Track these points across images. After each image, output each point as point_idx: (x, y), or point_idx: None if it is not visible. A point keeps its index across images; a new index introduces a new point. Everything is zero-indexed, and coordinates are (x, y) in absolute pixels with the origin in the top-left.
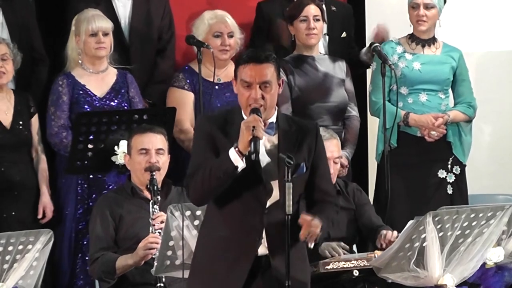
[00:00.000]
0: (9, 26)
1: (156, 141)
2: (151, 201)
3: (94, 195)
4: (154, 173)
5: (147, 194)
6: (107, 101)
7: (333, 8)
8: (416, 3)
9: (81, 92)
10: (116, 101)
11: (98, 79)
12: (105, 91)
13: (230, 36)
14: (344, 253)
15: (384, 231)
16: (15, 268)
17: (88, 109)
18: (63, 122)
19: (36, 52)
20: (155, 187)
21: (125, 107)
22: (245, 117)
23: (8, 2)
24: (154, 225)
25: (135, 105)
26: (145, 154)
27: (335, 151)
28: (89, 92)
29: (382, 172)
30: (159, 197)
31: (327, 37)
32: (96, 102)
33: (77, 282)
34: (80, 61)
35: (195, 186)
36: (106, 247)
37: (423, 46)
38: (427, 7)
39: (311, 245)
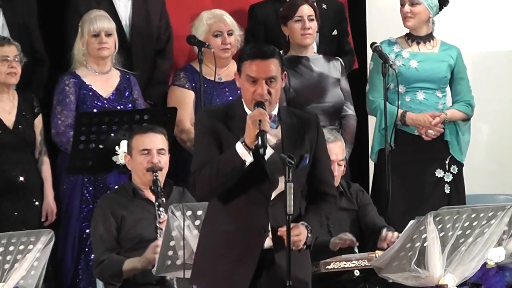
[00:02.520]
0: (10, 27)
1: (157, 141)
2: (156, 203)
3: (99, 195)
4: (156, 173)
5: (148, 195)
6: (112, 102)
7: (324, 6)
8: (403, 0)
9: (87, 92)
10: (120, 102)
11: (103, 80)
12: (110, 92)
13: (230, 34)
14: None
15: (384, 233)
16: (16, 268)
17: (94, 110)
18: (70, 121)
19: (36, 53)
20: (159, 188)
21: (129, 108)
22: (248, 111)
23: (8, 2)
24: (161, 228)
25: (139, 107)
26: (146, 154)
27: (339, 153)
28: (95, 93)
29: (379, 172)
30: (164, 199)
31: (318, 34)
32: (102, 102)
33: (80, 282)
34: (85, 62)
35: (202, 183)
36: (110, 248)
37: (418, 43)
38: (412, 3)
39: (304, 247)
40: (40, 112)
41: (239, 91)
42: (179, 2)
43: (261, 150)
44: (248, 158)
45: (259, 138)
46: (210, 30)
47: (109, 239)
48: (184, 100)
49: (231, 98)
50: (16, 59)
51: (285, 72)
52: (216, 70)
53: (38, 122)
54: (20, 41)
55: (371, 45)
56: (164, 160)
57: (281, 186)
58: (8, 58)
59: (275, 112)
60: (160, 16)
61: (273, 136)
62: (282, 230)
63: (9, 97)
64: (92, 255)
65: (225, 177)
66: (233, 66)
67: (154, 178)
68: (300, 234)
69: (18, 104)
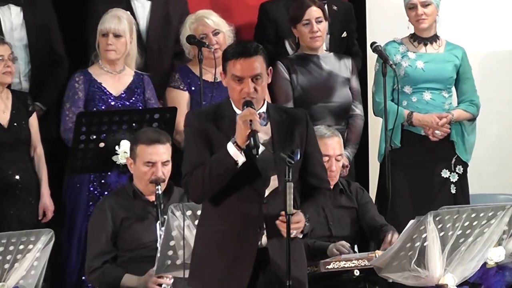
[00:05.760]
0: (28, 27)
1: (163, 153)
2: (158, 221)
3: (106, 193)
4: (159, 186)
5: (149, 197)
6: (122, 100)
7: (334, 8)
8: (413, 3)
9: (96, 89)
10: (131, 100)
11: (115, 79)
12: (120, 90)
13: (216, 33)
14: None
15: (389, 236)
16: (16, 268)
17: (103, 107)
18: None
19: (55, 54)
20: (162, 205)
21: (140, 108)
22: (236, 110)
23: (29, 2)
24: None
25: (151, 107)
26: (151, 166)
27: (336, 148)
28: (104, 90)
29: (385, 172)
30: (165, 216)
31: (329, 36)
32: (111, 100)
33: (85, 280)
34: (99, 61)
35: (195, 185)
36: (104, 253)
37: (426, 45)
38: (424, 5)
39: (300, 236)
40: (34, 111)
41: None
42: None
43: (254, 151)
44: (241, 158)
45: (251, 138)
46: (194, 34)
47: (104, 243)
48: (179, 101)
49: (222, 98)
50: (10, 58)
51: (271, 68)
52: (211, 71)
53: (33, 120)
54: (36, 42)
55: (371, 45)
56: (167, 170)
57: (273, 184)
58: (3, 58)
59: (263, 109)
60: (181, 18)
61: (263, 133)
62: (280, 221)
63: (3, 96)
64: None
65: (218, 178)
66: None
67: (157, 193)
68: (300, 221)
69: (12, 103)
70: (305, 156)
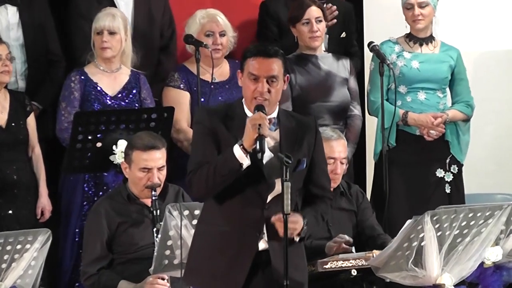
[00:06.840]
0: (24, 27)
1: (158, 159)
2: (155, 228)
3: (100, 193)
4: (155, 192)
5: (144, 200)
6: (118, 100)
7: (333, 8)
8: (410, 4)
9: (92, 89)
10: (127, 100)
11: (111, 78)
12: (116, 90)
13: (222, 35)
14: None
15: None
16: (13, 268)
17: (98, 107)
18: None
19: (51, 54)
20: (158, 211)
21: (136, 107)
22: (247, 111)
23: (26, 2)
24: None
25: (147, 106)
26: (146, 172)
27: (342, 151)
28: (100, 90)
29: (380, 171)
30: (161, 223)
31: (327, 36)
32: (107, 100)
33: (79, 279)
34: (95, 60)
35: (199, 183)
36: (100, 257)
37: (421, 45)
38: (421, 6)
39: (297, 239)
40: (32, 111)
41: (234, 91)
42: (179, 1)
43: (259, 155)
44: (245, 161)
45: (258, 142)
46: (202, 30)
47: (99, 249)
48: (180, 101)
49: (224, 98)
50: (8, 58)
51: (288, 75)
52: (210, 70)
53: (31, 120)
54: (33, 42)
55: (369, 44)
56: (163, 175)
57: (277, 189)
58: (1, 57)
59: (274, 114)
60: (163, 13)
61: (272, 138)
62: (275, 218)
63: (1, 96)
64: None
65: (222, 178)
66: (225, 66)
67: (153, 198)
68: (297, 222)
69: (10, 103)
70: (311, 165)
